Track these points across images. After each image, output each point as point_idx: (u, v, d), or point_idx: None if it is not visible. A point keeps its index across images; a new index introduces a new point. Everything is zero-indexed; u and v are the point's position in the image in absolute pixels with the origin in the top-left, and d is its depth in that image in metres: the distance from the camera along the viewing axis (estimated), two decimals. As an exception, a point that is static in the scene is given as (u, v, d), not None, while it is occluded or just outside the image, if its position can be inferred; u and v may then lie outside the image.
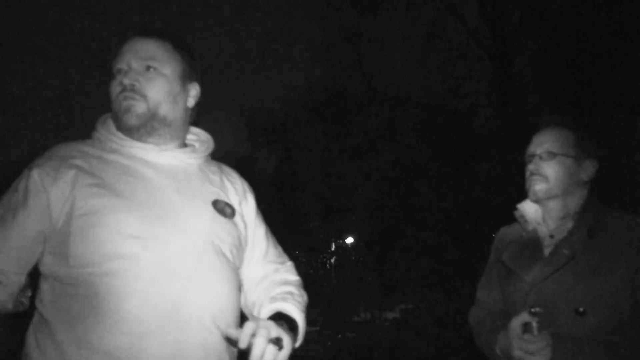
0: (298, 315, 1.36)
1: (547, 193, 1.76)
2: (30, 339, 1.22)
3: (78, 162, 1.28)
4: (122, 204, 1.24)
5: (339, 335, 17.51)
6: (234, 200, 1.46)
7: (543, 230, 1.81)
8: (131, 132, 1.35)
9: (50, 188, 1.24)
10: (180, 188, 1.34)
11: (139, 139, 1.36)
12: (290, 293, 1.42)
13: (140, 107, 1.34)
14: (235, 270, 1.38)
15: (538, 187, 1.77)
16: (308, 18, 13.19)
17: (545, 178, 1.76)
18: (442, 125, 12.86)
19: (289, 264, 1.57)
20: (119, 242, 1.20)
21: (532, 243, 1.80)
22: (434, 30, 12.13)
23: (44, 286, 1.24)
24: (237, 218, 1.43)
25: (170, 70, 1.39)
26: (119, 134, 1.36)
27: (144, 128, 1.35)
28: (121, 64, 1.37)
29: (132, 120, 1.34)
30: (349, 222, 19.69)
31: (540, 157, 1.79)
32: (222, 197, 1.42)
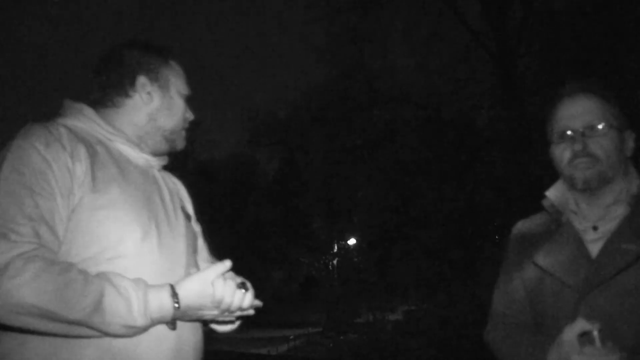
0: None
1: (602, 178, 1.41)
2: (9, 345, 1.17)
3: (88, 138, 1.30)
4: (135, 200, 1.28)
5: (342, 337, 17.48)
6: (186, 205, 1.54)
7: (580, 222, 1.47)
8: (163, 146, 1.44)
9: (77, 162, 1.23)
10: (160, 191, 1.40)
11: (132, 141, 1.39)
12: None
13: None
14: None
15: (589, 172, 1.41)
16: (310, 19, 13.18)
17: (596, 159, 1.41)
18: (445, 127, 12.85)
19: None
20: (118, 242, 1.22)
21: (569, 238, 1.46)
22: (436, 32, 12.12)
23: None
24: (191, 222, 1.50)
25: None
26: (110, 129, 1.36)
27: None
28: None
29: (183, 147, 1.47)
30: (351, 223, 19.68)
31: (584, 134, 1.42)
32: (182, 203, 1.49)
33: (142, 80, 1.40)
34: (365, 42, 13.33)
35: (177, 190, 1.52)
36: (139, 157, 1.39)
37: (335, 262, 22.65)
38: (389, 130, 13.80)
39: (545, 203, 1.53)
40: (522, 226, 1.61)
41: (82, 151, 1.25)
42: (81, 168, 1.23)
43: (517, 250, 1.57)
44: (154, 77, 1.42)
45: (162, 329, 1.22)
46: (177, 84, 1.45)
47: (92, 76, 1.42)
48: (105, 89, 1.39)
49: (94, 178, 1.24)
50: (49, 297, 1.06)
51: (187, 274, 1.29)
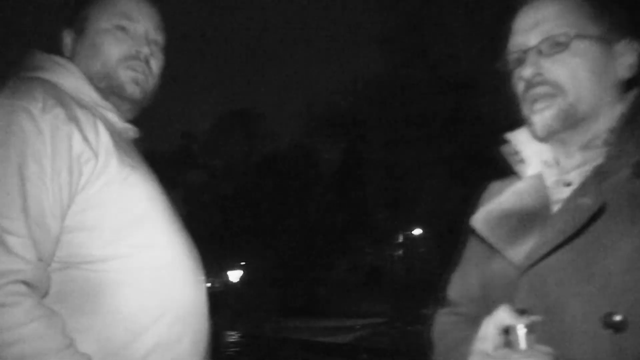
0: None
1: (569, 116, 0.98)
2: None
3: (89, 108, 1.12)
4: (141, 174, 1.15)
5: (408, 328, 17.35)
6: None
7: (550, 175, 1.05)
8: (123, 102, 1.21)
9: (96, 144, 1.07)
10: (140, 161, 1.22)
11: (121, 109, 1.21)
12: None
13: (147, 83, 1.23)
14: None
15: (550, 111, 0.98)
16: (372, 7, 13.05)
17: (558, 87, 0.98)
18: (512, 111, 12.42)
19: None
20: (150, 221, 1.13)
21: (534, 199, 1.03)
22: (502, 14, 11.69)
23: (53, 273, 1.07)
24: None
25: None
26: (96, 94, 1.17)
27: (139, 104, 1.25)
28: (131, 25, 1.22)
29: (137, 94, 1.21)
30: (416, 213, 19.45)
31: (540, 51, 0.99)
32: None
33: (64, 34, 1.24)
34: (427, 28, 13.07)
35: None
36: (121, 125, 1.20)
37: (400, 252, 22.48)
38: (453, 118, 13.50)
39: (504, 150, 1.13)
40: (490, 187, 1.20)
41: (87, 116, 1.08)
42: (92, 138, 1.07)
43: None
44: (72, 25, 1.23)
45: (176, 312, 1.11)
46: (101, 19, 1.20)
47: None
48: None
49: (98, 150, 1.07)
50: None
51: (184, 241, 1.19)
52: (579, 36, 0.98)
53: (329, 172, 22.74)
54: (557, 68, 0.98)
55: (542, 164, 1.06)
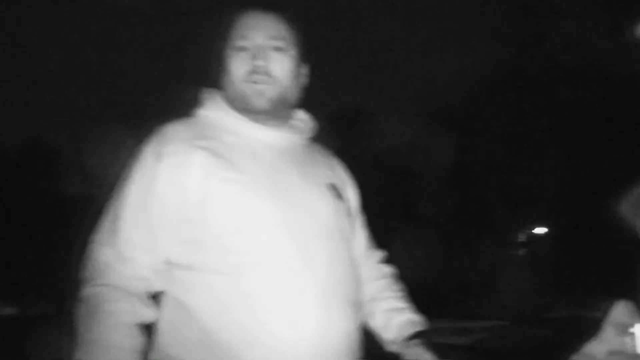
0: (419, 318, 1.44)
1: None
2: (164, 323, 1.24)
3: (201, 143, 1.26)
4: (258, 189, 1.24)
5: (531, 331, 16.48)
6: (339, 183, 1.42)
7: None
8: (257, 114, 1.31)
9: (185, 178, 1.22)
10: (300, 171, 1.32)
11: (261, 121, 1.32)
12: (395, 290, 1.49)
13: (272, 91, 1.31)
14: (353, 257, 1.37)
15: None
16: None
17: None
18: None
19: (381, 253, 1.56)
20: (260, 232, 1.21)
21: None
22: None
23: (176, 272, 1.24)
24: (345, 202, 1.39)
25: (295, 51, 1.35)
26: (236, 114, 1.32)
27: (273, 112, 1.32)
28: (247, 42, 1.32)
29: (263, 104, 1.30)
30: (538, 211, 18.39)
31: None
32: (332, 180, 1.38)
33: (212, 65, 1.38)
34: (543, 14, 12.32)
35: (329, 166, 1.44)
36: (272, 136, 1.33)
37: (522, 252, 21.40)
38: (575, 109, 12.60)
39: None
40: None
41: (198, 154, 1.24)
42: (196, 178, 1.22)
43: None
44: (217, 56, 1.38)
45: (300, 309, 1.18)
46: (227, 46, 1.34)
47: None
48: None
49: (210, 175, 1.22)
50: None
51: (331, 260, 1.25)
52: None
53: (444, 169, 22.19)
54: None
55: None
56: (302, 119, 1.44)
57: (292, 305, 1.18)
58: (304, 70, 1.42)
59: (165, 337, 1.24)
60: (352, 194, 1.48)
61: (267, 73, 1.30)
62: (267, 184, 1.25)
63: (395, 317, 1.43)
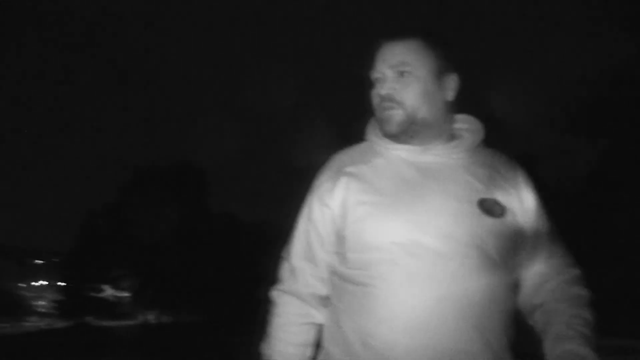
0: (586, 350, 1.29)
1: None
2: (327, 321, 1.46)
3: (349, 169, 1.44)
4: (388, 210, 1.35)
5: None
6: (504, 195, 1.39)
7: None
8: (393, 138, 1.43)
9: (330, 201, 1.43)
10: (443, 188, 1.36)
11: (402, 142, 1.42)
12: (584, 323, 1.35)
13: (399, 116, 1.39)
14: (507, 273, 1.36)
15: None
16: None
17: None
18: None
19: (577, 273, 1.46)
20: (384, 249, 1.32)
21: None
22: None
23: (333, 279, 1.45)
24: (508, 216, 1.37)
25: (423, 71, 1.39)
26: (382, 138, 1.45)
27: (406, 134, 1.40)
28: (377, 74, 1.43)
29: (392, 129, 1.41)
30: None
31: None
32: (490, 195, 1.37)
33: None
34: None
35: (488, 179, 1.40)
36: (418, 154, 1.42)
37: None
38: None
39: None
40: None
41: (342, 180, 1.43)
42: (339, 201, 1.42)
43: None
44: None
45: (413, 324, 1.29)
46: (370, 73, 1.47)
47: None
48: None
49: (354, 201, 1.40)
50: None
51: (455, 279, 1.29)
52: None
53: (584, 173, 20.60)
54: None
55: None
56: (468, 126, 1.49)
57: (404, 319, 1.28)
58: (452, 80, 1.44)
59: (326, 335, 1.45)
60: (527, 203, 1.44)
61: (391, 99, 1.39)
62: (400, 205, 1.34)
63: (558, 346, 1.32)
